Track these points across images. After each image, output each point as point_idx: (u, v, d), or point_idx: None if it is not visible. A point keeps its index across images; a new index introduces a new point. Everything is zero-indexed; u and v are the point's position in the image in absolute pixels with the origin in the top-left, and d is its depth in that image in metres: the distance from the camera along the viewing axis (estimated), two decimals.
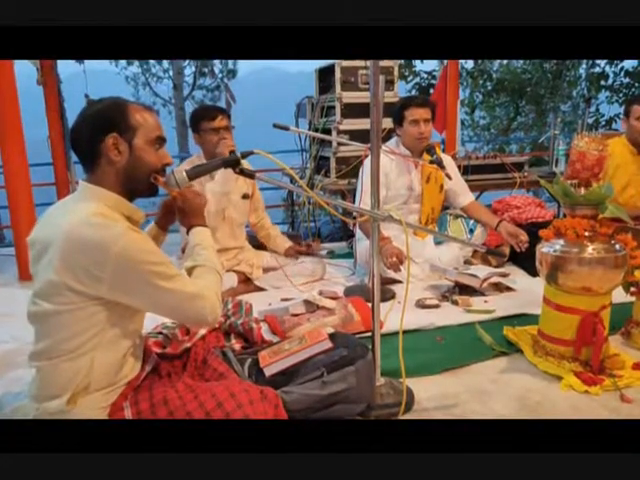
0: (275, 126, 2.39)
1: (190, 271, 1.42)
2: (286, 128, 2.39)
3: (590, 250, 1.80)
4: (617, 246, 1.82)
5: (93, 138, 1.30)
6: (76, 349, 1.26)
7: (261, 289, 2.75)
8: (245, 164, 1.58)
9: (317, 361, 1.58)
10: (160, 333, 1.80)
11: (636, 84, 8.02)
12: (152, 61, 14.33)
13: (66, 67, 4.36)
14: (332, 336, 1.68)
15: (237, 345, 1.93)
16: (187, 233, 1.51)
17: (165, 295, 1.27)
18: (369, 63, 1.57)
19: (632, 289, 2.04)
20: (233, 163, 1.48)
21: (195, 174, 1.52)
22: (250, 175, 1.52)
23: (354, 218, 2.63)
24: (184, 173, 1.46)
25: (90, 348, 1.27)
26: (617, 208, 1.91)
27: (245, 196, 2.83)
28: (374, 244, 1.65)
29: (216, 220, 2.65)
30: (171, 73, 14.17)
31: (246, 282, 2.77)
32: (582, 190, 1.85)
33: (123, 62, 14.41)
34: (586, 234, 1.82)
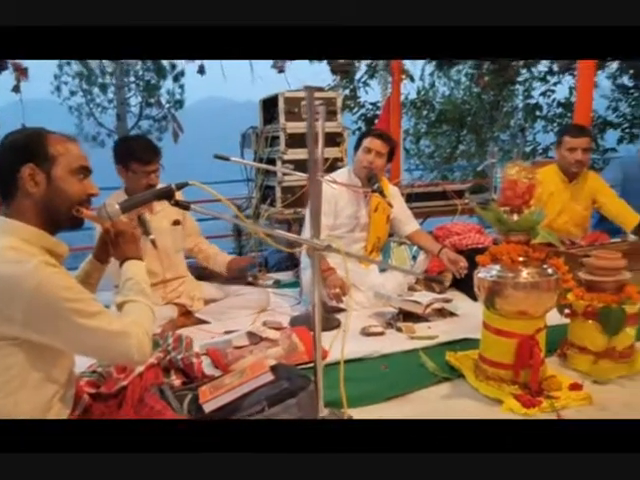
0: (216, 157, 2.37)
1: (120, 307, 1.38)
2: (227, 159, 2.36)
3: (524, 275, 1.85)
4: (550, 270, 1.88)
5: (9, 169, 1.25)
6: None
7: (203, 321, 2.69)
8: (179, 195, 1.55)
9: (258, 394, 1.56)
10: (94, 372, 1.72)
11: (568, 114, 8.44)
12: (96, 91, 14.10)
13: (1, 97, 4.24)
14: (274, 368, 1.65)
15: (177, 381, 1.88)
16: (120, 266, 1.47)
17: (86, 334, 1.22)
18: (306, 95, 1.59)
19: (566, 311, 2.11)
20: (167, 195, 1.46)
21: (129, 206, 1.48)
22: (185, 207, 1.49)
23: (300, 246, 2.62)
24: (117, 206, 1.43)
25: (12, 390, 1.21)
26: (549, 233, 1.99)
27: (176, 222, 2.76)
28: (315, 273, 1.65)
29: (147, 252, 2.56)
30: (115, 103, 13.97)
31: (187, 315, 2.70)
32: (515, 216, 1.91)
33: (66, 92, 14.13)
34: (520, 259, 1.87)
